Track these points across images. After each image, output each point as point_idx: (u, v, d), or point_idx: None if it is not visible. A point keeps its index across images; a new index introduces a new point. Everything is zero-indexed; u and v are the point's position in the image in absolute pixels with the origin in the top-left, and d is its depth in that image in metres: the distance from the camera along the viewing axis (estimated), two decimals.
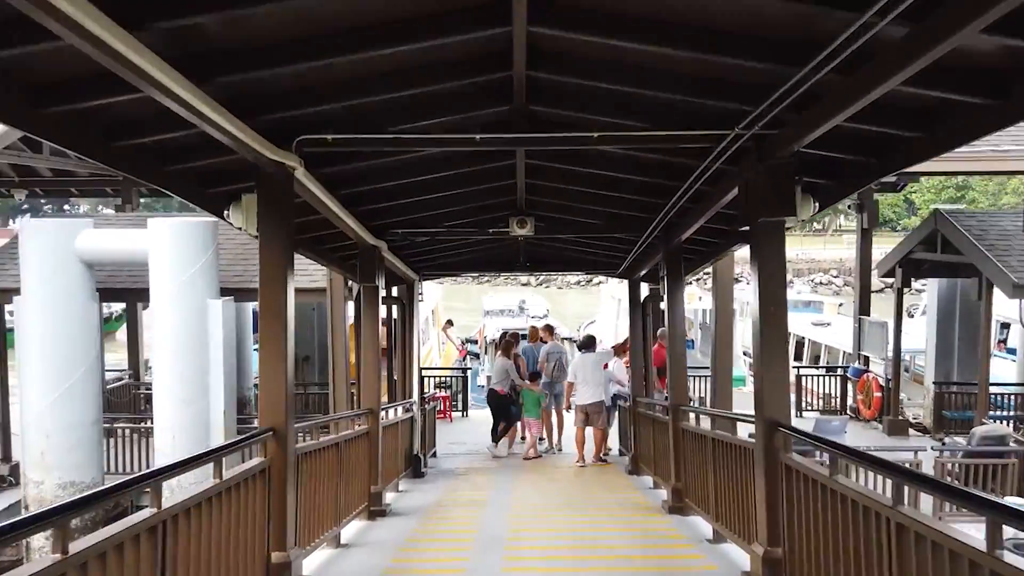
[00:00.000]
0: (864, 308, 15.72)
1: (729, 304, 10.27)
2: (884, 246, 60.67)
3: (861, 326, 15.55)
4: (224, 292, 10.92)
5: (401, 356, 11.00)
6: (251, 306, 16.60)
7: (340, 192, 6.22)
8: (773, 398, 4.86)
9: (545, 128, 5.13)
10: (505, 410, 12.14)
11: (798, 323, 22.17)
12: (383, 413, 8.59)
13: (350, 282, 10.42)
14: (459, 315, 32.40)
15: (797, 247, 54.83)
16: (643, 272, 10.53)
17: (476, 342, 27.71)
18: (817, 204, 5.06)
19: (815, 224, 67.21)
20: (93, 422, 10.59)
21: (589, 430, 11.05)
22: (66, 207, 42.44)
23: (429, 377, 17.02)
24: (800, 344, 22.48)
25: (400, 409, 10.02)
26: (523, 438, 13.35)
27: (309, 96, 4.47)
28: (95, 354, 10.66)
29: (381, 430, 8.09)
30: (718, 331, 10.09)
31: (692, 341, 24.92)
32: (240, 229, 5.17)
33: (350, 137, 4.94)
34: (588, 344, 11.88)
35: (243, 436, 4.60)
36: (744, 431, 6.41)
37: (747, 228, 5.21)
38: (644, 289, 11.73)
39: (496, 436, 12.30)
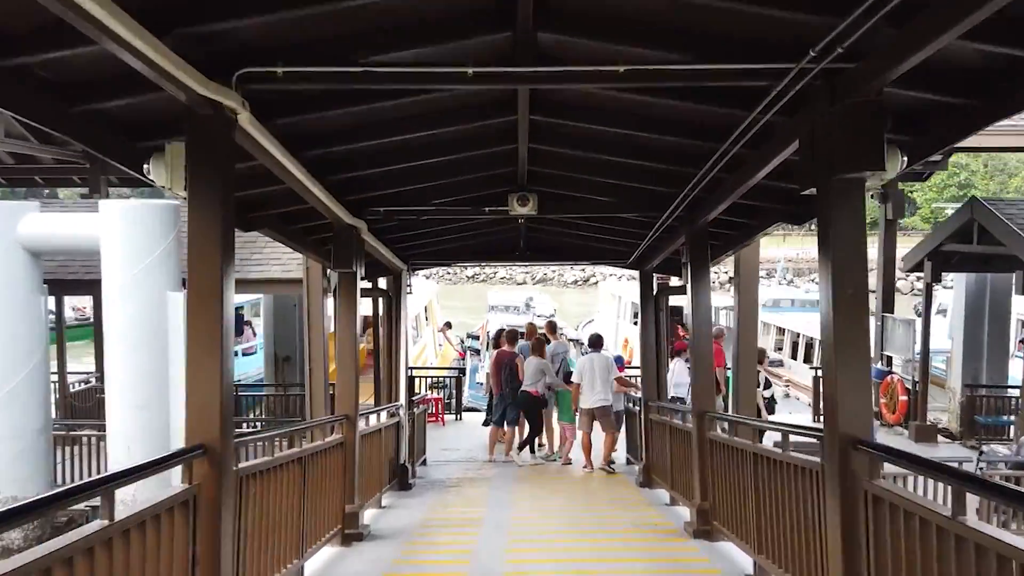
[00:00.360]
0: (887, 305, 14.65)
1: (754, 298, 9.18)
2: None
3: (884, 324, 14.47)
4: None
5: (387, 354, 9.89)
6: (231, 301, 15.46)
7: (306, 154, 5.11)
8: (851, 407, 3.75)
9: (556, 62, 4.02)
10: (537, 414, 11.22)
11: (809, 323, 21.14)
12: (363, 420, 7.48)
13: (329, 271, 9.30)
14: (455, 314, 31.35)
15: (797, 247, 53.87)
16: (656, 262, 9.41)
17: (478, 337, 26.61)
18: (905, 159, 3.96)
19: (812, 225, 66.16)
20: (40, 429, 9.46)
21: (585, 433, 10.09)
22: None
23: (421, 377, 15.91)
24: (810, 345, 21.44)
25: (384, 414, 8.90)
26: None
27: (251, 4, 3.36)
28: (41, 354, 9.52)
29: (359, 439, 6.97)
30: (741, 330, 8.99)
31: None
32: (165, 189, 4.04)
33: (306, 71, 3.83)
34: (596, 343, 10.89)
35: (153, 460, 3.50)
36: (768, 440, 5.32)
37: (809, 192, 4.09)
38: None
39: (524, 442, 11.38)
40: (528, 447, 11.42)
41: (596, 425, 10.49)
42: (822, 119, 3.79)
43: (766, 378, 11.65)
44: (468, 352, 25.42)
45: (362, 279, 7.23)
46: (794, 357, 22.50)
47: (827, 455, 3.89)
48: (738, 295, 9.32)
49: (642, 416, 9.98)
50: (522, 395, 11.01)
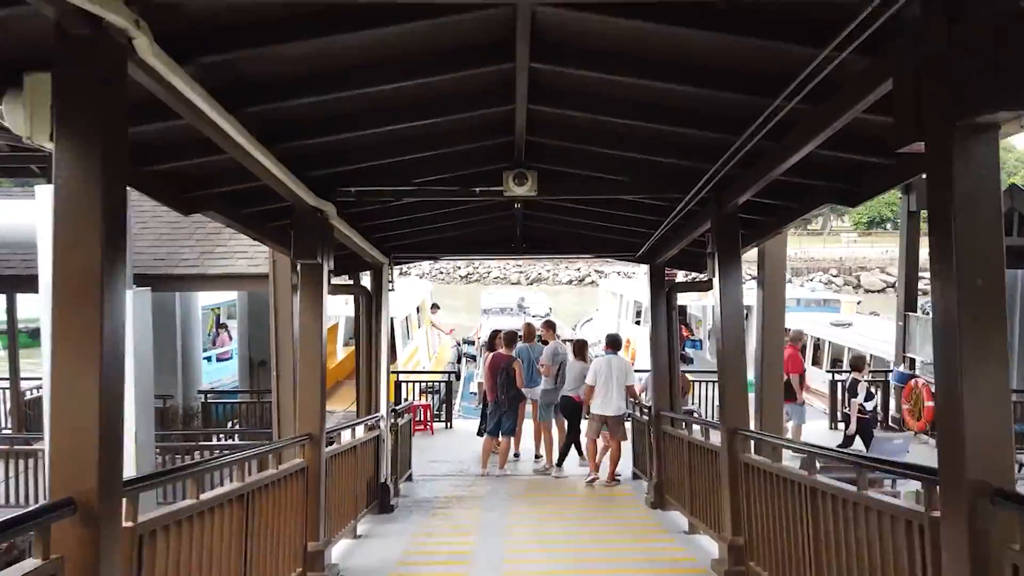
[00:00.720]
0: (910, 303, 13.62)
1: (781, 293, 8.14)
2: (884, 245, 59.22)
3: (907, 324, 13.44)
4: (141, 280, 8.68)
5: (367, 359, 8.78)
6: (202, 299, 14.36)
7: (247, 111, 4.01)
8: (985, 443, 2.68)
9: None
10: (578, 422, 10.39)
11: (815, 324, 20.10)
12: (336, 437, 6.40)
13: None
14: (451, 315, 30.26)
15: (795, 246, 53.17)
16: (670, 254, 8.31)
17: (473, 343, 25.40)
18: None
19: (811, 224, 65.37)
20: None
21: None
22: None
23: (411, 382, 14.76)
24: (817, 347, 20.39)
25: (361, 428, 7.80)
26: (516, 455, 11.37)
27: None
28: None
29: (326, 462, 5.88)
30: (766, 330, 7.93)
31: (700, 342, 22.84)
32: (25, 138, 2.92)
33: None
34: (614, 344, 9.92)
35: None
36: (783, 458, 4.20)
37: (913, 149, 3.01)
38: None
39: (564, 452, 10.53)
40: (574, 451, 10.61)
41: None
42: (937, 45, 2.72)
43: (867, 388, 10.76)
44: (464, 358, 24.27)
45: (332, 272, 6.10)
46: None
47: (947, 507, 2.81)
48: (762, 293, 8.26)
49: (652, 427, 8.91)
50: (564, 400, 10.24)
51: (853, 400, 10.45)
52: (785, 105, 3.85)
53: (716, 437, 6.78)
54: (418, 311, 20.55)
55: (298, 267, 5.95)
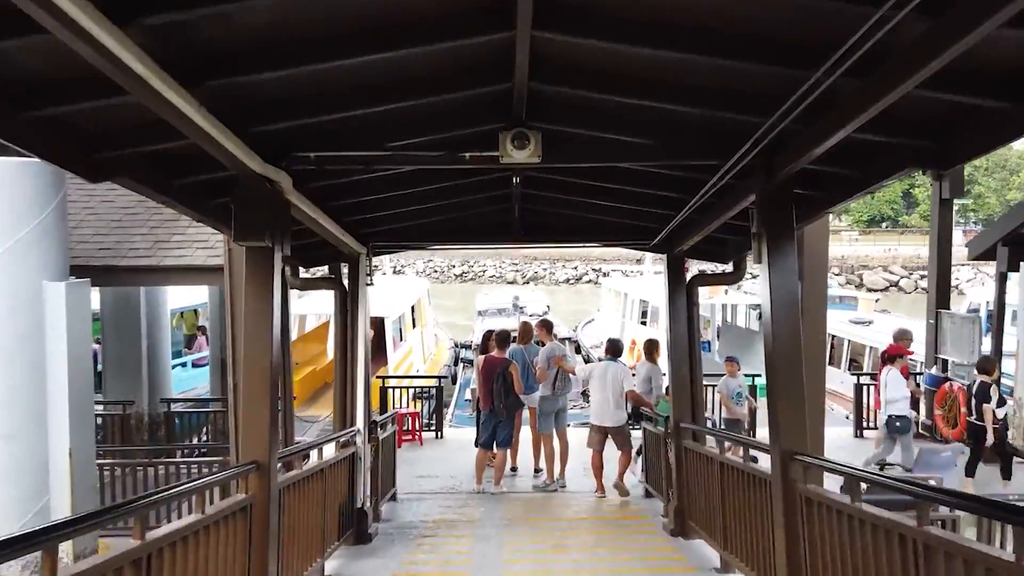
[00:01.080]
0: (942, 300, 12.47)
1: (822, 287, 7.01)
2: (885, 243, 58.43)
3: (940, 322, 12.29)
4: (80, 272, 7.50)
5: (342, 364, 7.60)
6: (169, 295, 13.14)
7: (145, 23, 2.84)
8: None
9: None
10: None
11: (839, 322, 18.94)
12: (296, 460, 5.23)
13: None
14: (446, 315, 29.12)
15: None
16: (693, 240, 7.12)
17: (469, 346, 24.12)
18: None
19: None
20: None
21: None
22: None
23: (401, 388, 13.54)
24: (833, 346, 19.24)
25: (332, 446, 6.62)
26: (514, 469, 10.22)
27: None
28: None
29: (279, 495, 4.70)
30: (807, 333, 6.74)
31: (707, 343, 21.68)
32: None
33: None
34: (614, 350, 8.95)
35: None
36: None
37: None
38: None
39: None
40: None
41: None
42: None
43: (999, 393, 9.47)
44: (461, 362, 23.04)
45: (290, 258, 4.94)
46: None
47: None
48: (801, 287, 7.09)
49: (670, 441, 7.75)
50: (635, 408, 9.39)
51: (985, 406, 9.13)
52: (892, 16, 2.70)
53: (758, 456, 5.65)
54: (413, 310, 19.32)
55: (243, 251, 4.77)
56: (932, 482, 8.23)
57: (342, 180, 5.75)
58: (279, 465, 4.88)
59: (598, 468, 9.06)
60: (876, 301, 25.84)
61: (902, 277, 54.74)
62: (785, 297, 4.74)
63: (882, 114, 3.58)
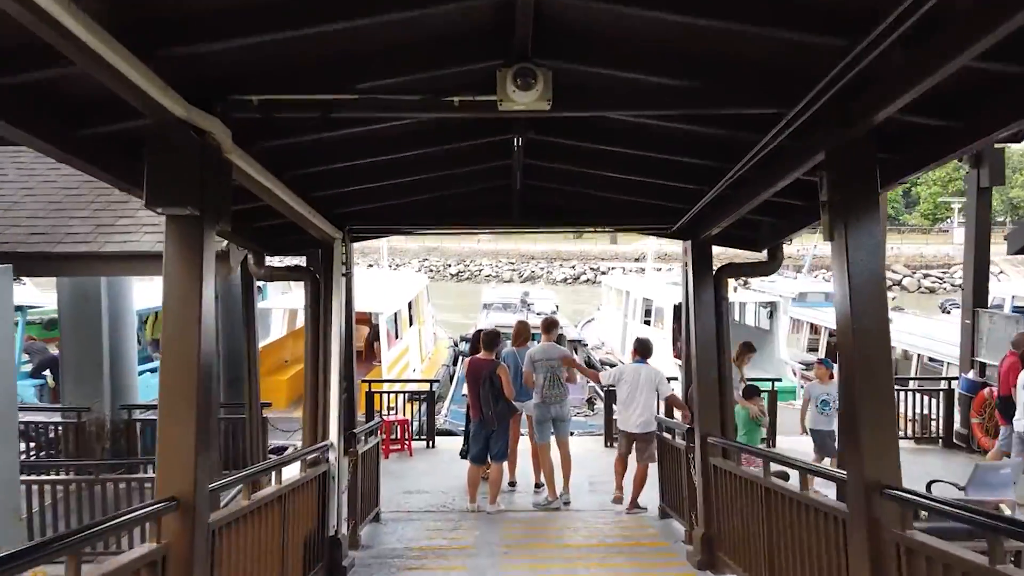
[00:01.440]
0: (979, 298, 11.43)
1: (881, 280, 5.90)
2: (887, 242, 58.30)
3: (976, 322, 11.26)
4: (4, 258, 6.40)
5: (312, 365, 6.51)
6: (135, 286, 11.96)
7: None
8: None
9: None
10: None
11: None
12: (246, 488, 4.15)
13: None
14: (442, 314, 28.06)
15: (796, 243, 51.11)
16: (726, 222, 6.03)
17: (469, 340, 22.91)
18: None
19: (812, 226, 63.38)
20: None
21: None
22: None
23: (393, 393, 12.40)
24: None
25: (297, 466, 5.54)
26: (512, 484, 9.18)
27: None
28: None
29: (210, 537, 3.62)
30: (856, 329, 5.68)
31: None
32: None
33: None
34: (644, 350, 8.11)
35: None
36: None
37: None
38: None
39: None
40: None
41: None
42: None
43: None
44: (460, 359, 21.90)
45: (227, 231, 3.87)
46: (832, 358, 19.27)
47: None
48: (848, 280, 6.02)
49: (694, 456, 6.68)
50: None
51: None
52: None
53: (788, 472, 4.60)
54: (410, 307, 18.14)
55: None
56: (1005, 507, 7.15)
57: (305, 139, 4.66)
58: (217, 498, 3.81)
59: (621, 473, 8.39)
60: (893, 299, 24.85)
61: (904, 276, 53.92)
62: (868, 283, 3.71)
63: (1011, 36, 2.56)
